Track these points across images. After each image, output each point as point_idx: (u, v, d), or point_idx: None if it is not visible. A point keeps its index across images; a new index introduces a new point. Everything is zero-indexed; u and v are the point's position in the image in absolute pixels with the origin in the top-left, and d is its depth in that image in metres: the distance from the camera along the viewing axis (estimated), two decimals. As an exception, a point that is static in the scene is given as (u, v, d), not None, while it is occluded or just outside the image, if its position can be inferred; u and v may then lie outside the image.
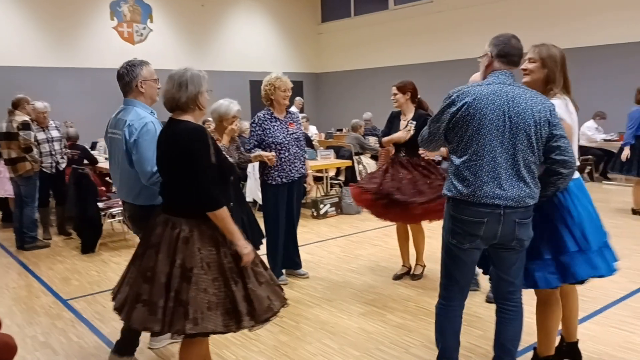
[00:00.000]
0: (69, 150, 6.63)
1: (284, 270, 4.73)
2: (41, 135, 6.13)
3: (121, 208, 6.05)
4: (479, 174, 2.36)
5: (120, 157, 3.05)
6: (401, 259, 4.81)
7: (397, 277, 4.72)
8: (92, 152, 9.09)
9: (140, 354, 3.33)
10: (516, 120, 2.35)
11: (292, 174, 4.47)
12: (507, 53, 2.46)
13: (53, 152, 6.25)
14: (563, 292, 2.89)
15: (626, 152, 6.77)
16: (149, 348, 3.46)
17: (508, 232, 2.42)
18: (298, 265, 4.82)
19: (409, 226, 4.65)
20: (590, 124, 9.89)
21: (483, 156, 2.36)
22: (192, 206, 2.42)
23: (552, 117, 2.40)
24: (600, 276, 2.66)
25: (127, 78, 3.02)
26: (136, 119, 2.94)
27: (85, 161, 7.12)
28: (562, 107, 2.61)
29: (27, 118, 5.94)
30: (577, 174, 2.73)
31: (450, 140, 2.50)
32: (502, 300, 2.60)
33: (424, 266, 4.74)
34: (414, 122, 4.32)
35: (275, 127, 4.41)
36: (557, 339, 2.97)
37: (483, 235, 2.42)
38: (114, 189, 8.65)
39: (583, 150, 9.92)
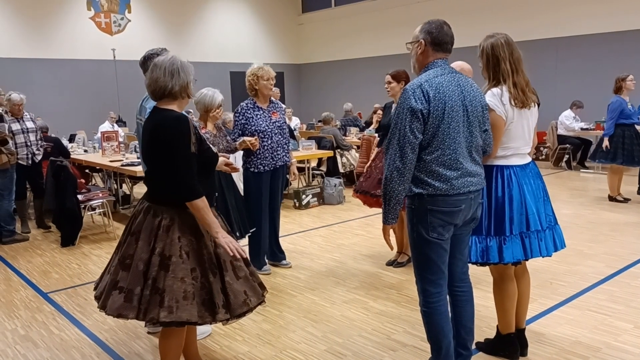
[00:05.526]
0: (44, 143, 6.52)
1: (267, 260, 4.73)
2: (16, 126, 6.02)
3: (101, 200, 6.09)
4: (454, 166, 2.38)
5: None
6: (387, 247, 4.82)
7: (390, 263, 4.75)
8: (70, 144, 8.96)
9: (138, 338, 3.32)
10: (471, 108, 2.43)
11: (275, 162, 4.48)
12: (442, 41, 2.46)
13: (28, 143, 6.14)
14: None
15: (605, 143, 6.93)
16: (148, 333, 3.46)
17: (473, 214, 2.53)
18: (280, 257, 4.82)
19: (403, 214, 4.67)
20: (568, 113, 10.04)
21: (455, 149, 2.38)
22: (173, 195, 2.42)
23: (486, 101, 2.58)
24: (517, 262, 2.72)
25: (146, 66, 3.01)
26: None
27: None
28: (493, 98, 2.66)
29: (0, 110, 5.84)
30: (526, 159, 2.82)
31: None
32: (458, 283, 2.65)
33: (410, 256, 4.77)
34: None
35: (258, 116, 4.44)
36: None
37: (458, 222, 2.48)
38: (93, 180, 8.59)
39: (561, 139, 10.08)
